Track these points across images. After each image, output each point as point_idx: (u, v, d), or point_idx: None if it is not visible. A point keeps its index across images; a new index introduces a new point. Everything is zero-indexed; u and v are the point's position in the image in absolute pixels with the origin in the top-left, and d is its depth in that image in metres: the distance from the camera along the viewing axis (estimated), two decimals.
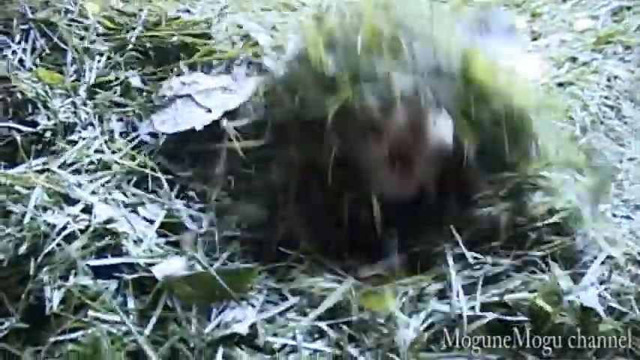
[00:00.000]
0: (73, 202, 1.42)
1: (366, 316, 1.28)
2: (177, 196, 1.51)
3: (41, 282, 1.29)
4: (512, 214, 1.44)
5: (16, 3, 1.89)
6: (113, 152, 1.56)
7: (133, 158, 1.56)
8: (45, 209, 1.39)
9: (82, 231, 1.36)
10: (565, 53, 2.02)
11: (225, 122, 1.58)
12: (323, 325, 1.26)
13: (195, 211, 1.49)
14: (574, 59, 2.00)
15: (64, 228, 1.36)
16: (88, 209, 1.40)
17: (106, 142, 1.58)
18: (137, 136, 1.61)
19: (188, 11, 1.87)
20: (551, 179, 1.48)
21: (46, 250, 1.33)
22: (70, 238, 1.35)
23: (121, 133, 1.61)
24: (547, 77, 1.88)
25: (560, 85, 1.89)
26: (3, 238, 1.36)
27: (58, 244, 1.33)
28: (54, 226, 1.36)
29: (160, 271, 1.31)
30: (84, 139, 1.58)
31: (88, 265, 1.31)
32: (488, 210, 1.46)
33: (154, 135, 1.60)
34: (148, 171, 1.53)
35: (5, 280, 1.33)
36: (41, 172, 1.48)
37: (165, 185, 1.51)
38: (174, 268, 1.32)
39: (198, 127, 1.56)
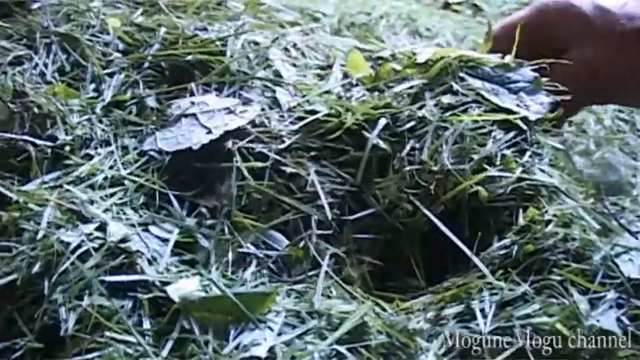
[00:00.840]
0: (87, 219, 1.38)
1: (385, 340, 1.26)
2: (188, 214, 1.48)
3: (56, 302, 1.26)
4: (529, 242, 1.41)
5: (38, 15, 1.86)
6: (125, 168, 1.53)
7: (143, 175, 1.52)
8: (58, 227, 1.36)
9: (96, 249, 1.32)
10: None
11: (230, 143, 1.54)
12: (342, 349, 1.23)
13: (207, 229, 1.45)
14: None
15: (79, 246, 1.32)
16: (101, 227, 1.37)
17: (120, 158, 1.55)
18: (145, 153, 1.57)
19: (205, 29, 1.84)
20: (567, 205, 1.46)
21: (60, 270, 1.29)
22: (84, 256, 1.31)
23: (134, 148, 1.58)
24: None
25: None
26: (16, 256, 1.32)
27: (72, 263, 1.30)
28: (68, 244, 1.32)
29: (175, 292, 1.28)
30: (99, 154, 1.55)
31: (102, 283, 1.28)
32: (504, 240, 1.44)
33: (160, 152, 1.56)
34: (157, 187, 1.50)
35: (19, 300, 1.30)
36: (54, 188, 1.45)
37: (175, 202, 1.48)
38: (189, 289, 1.29)
39: (195, 147, 1.53)
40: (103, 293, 1.27)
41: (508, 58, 1.65)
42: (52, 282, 1.28)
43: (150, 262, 1.34)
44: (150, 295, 1.28)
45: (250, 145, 1.56)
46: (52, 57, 1.76)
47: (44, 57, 1.76)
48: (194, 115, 1.59)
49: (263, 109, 1.63)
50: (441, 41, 2.12)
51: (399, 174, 1.53)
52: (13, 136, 1.56)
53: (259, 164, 1.53)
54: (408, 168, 1.52)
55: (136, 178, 1.51)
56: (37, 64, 1.74)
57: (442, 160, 1.51)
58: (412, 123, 1.57)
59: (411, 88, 1.62)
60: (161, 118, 1.63)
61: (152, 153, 1.56)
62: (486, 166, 1.51)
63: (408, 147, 1.55)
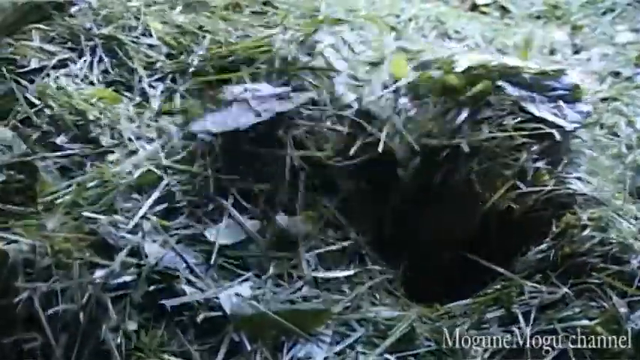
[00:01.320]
0: (120, 248, 1.36)
1: (432, 347, 1.29)
2: (234, 204, 1.48)
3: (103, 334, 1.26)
4: (566, 246, 1.44)
5: (77, 18, 1.87)
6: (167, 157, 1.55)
7: (191, 162, 1.54)
8: (93, 265, 1.34)
9: (135, 280, 1.32)
10: (607, 67, 2.00)
11: (281, 131, 1.57)
12: (392, 358, 1.26)
13: (257, 229, 1.45)
14: (617, 74, 1.98)
15: (119, 275, 1.32)
16: (137, 252, 1.36)
17: (163, 148, 1.57)
18: (194, 136, 1.58)
19: (248, 36, 1.86)
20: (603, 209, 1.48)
21: (103, 304, 1.29)
22: (125, 287, 1.32)
23: (181, 132, 1.61)
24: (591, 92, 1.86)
25: (604, 100, 1.87)
26: (63, 294, 1.30)
27: (116, 296, 1.30)
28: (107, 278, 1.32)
29: (226, 300, 1.30)
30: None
31: (148, 310, 1.30)
32: (542, 245, 1.47)
33: (210, 135, 1.57)
34: (207, 173, 1.51)
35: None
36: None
37: (227, 205, 1.48)
38: (240, 299, 1.30)
39: (242, 127, 1.54)
40: (149, 319, 1.28)
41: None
42: (97, 316, 1.28)
43: (190, 283, 1.33)
44: (201, 316, 1.29)
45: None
46: (96, 59, 1.78)
47: (89, 60, 1.78)
48: (245, 100, 1.61)
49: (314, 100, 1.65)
50: (469, 43, 2.13)
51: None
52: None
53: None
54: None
55: (181, 166, 1.52)
56: (81, 67, 1.75)
57: (473, 182, 1.57)
58: (447, 151, 1.61)
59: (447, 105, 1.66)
60: (212, 103, 1.65)
61: (202, 135, 1.57)
62: (518, 182, 1.54)
63: (440, 175, 1.60)
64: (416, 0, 2.31)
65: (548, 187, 1.53)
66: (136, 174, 1.49)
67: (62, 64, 1.77)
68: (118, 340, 1.25)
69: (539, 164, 1.56)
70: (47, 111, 1.64)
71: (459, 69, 1.69)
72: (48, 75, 1.72)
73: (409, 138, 1.61)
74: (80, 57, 1.78)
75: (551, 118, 1.59)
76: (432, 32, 2.18)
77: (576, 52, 2.11)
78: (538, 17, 2.32)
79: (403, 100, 1.67)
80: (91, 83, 1.73)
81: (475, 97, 1.64)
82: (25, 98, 1.65)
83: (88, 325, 1.27)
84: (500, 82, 1.65)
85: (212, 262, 1.37)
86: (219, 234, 1.41)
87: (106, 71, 1.77)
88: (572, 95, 1.63)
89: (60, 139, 1.59)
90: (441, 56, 1.78)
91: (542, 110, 1.60)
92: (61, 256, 1.33)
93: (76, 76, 1.74)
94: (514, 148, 1.58)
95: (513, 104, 1.63)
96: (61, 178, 1.50)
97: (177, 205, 1.46)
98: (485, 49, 2.09)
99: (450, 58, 1.75)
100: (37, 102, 1.65)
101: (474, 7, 2.44)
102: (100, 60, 1.78)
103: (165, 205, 1.46)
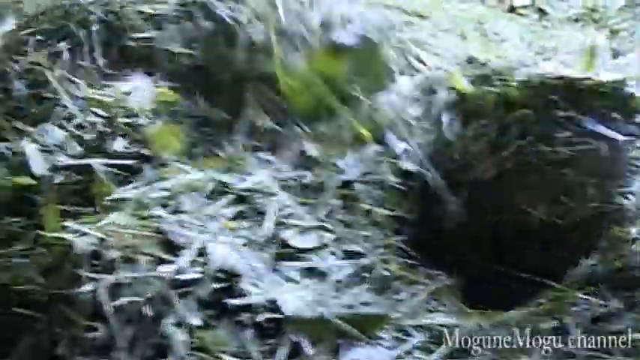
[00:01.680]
0: (186, 247, 1.37)
1: (487, 355, 1.28)
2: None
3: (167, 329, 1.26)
4: (616, 260, 1.43)
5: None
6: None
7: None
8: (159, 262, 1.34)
9: (200, 278, 1.32)
10: None
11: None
12: None
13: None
14: None
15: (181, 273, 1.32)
16: (203, 251, 1.36)
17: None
18: None
19: None
20: None
21: (168, 299, 1.29)
22: (190, 284, 1.31)
23: None
24: None
25: None
26: (129, 287, 1.30)
27: (179, 293, 1.30)
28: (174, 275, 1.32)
29: (286, 304, 1.30)
30: None
31: (211, 308, 1.29)
32: (591, 259, 1.46)
33: None
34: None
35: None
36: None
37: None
38: (301, 302, 1.30)
39: None
40: (212, 317, 1.28)
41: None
42: (160, 313, 1.28)
43: (254, 284, 1.33)
44: (261, 318, 1.29)
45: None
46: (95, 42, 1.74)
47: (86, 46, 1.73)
48: None
49: None
50: (508, 45, 2.12)
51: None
52: None
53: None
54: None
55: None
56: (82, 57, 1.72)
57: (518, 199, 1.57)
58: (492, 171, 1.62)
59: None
60: None
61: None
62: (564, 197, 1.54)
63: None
64: (454, 0, 2.29)
65: (594, 204, 1.53)
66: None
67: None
68: (181, 336, 1.25)
69: (587, 178, 1.55)
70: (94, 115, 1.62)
71: (515, 83, 1.67)
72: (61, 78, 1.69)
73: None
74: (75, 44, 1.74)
75: (603, 131, 1.58)
76: (472, 33, 2.18)
77: (614, 57, 2.09)
78: (576, 20, 2.30)
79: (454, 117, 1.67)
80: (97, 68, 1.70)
81: (527, 113, 1.63)
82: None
83: (152, 319, 1.26)
84: (554, 96, 1.63)
85: (277, 264, 1.37)
86: (296, 237, 1.43)
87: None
88: (629, 107, 1.62)
89: (114, 142, 1.58)
90: (503, 67, 1.76)
91: (594, 124, 1.59)
92: (127, 250, 1.32)
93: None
94: (562, 162, 1.57)
95: (567, 118, 1.61)
96: (117, 180, 1.50)
97: (250, 209, 1.47)
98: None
99: (510, 70, 1.73)
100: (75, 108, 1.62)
101: (512, 9, 2.43)
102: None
103: (237, 209, 1.46)
